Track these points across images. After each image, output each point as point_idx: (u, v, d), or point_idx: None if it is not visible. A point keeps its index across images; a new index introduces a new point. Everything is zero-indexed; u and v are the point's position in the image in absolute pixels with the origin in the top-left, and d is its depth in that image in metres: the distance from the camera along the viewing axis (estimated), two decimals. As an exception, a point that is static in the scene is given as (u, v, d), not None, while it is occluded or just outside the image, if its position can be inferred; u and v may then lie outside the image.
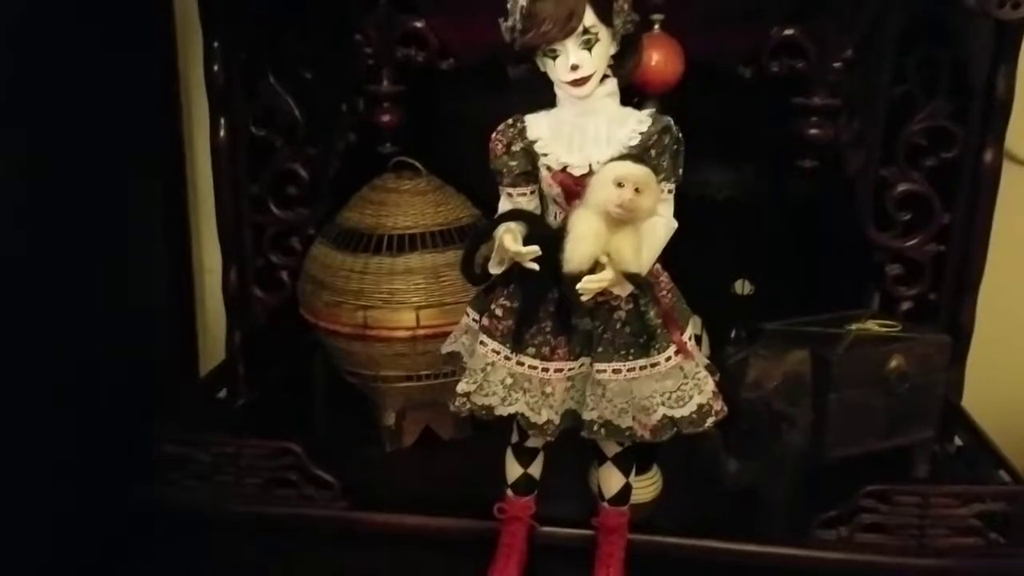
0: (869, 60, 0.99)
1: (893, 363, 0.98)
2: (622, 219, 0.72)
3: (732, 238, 1.18)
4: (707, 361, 0.83)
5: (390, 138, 1.05)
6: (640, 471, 0.97)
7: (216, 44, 1.06)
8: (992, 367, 1.12)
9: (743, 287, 1.19)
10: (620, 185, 0.71)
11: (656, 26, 0.92)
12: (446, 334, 0.90)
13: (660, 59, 0.91)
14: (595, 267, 0.74)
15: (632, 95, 0.90)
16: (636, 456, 0.88)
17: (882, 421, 1.00)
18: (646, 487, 0.99)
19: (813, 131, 0.98)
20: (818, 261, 1.16)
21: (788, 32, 0.95)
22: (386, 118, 1.03)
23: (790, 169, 1.02)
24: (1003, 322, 1.14)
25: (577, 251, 0.73)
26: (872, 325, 1.03)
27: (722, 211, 1.18)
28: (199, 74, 1.09)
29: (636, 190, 0.71)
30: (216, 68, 1.07)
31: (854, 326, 1.02)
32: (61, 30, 1.00)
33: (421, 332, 1.03)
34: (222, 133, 1.09)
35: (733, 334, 1.11)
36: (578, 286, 0.73)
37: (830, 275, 1.15)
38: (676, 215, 0.81)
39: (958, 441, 1.08)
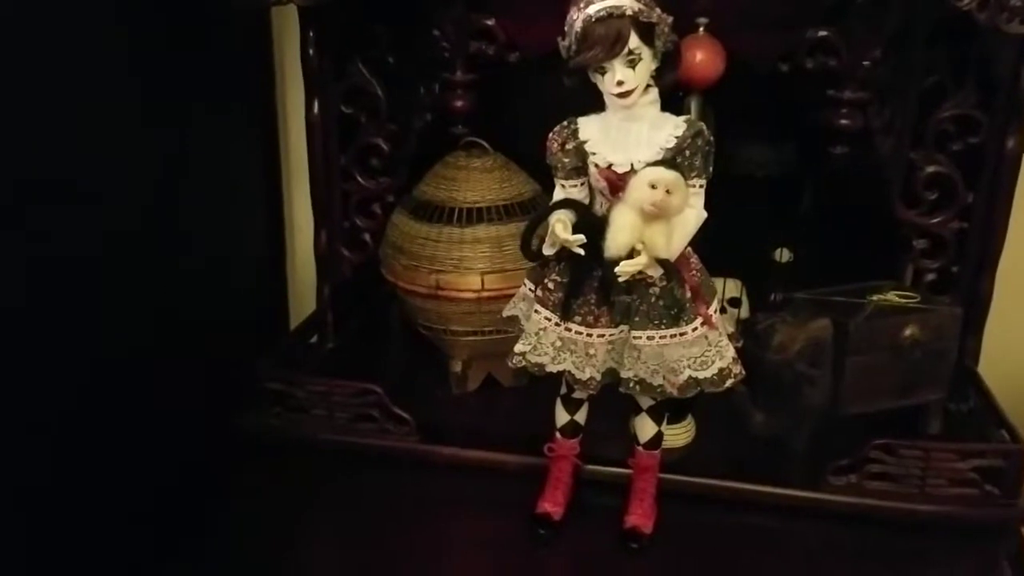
0: (899, 56, 1.03)
1: (908, 332, 1.03)
2: (654, 215, 0.82)
3: (773, 211, 1.22)
4: (731, 330, 0.93)
5: (462, 120, 1.12)
6: (676, 420, 1.06)
7: (311, 33, 1.10)
8: (1008, 335, 1.17)
9: (782, 255, 1.22)
10: (653, 187, 0.81)
11: (701, 28, 0.99)
12: (507, 296, 0.98)
13: (704, 58, 0.99)
14: (632, 253, 0.83)
15: (678, 90, 0.97)
16: (667, 408, 0.96)
17: (896, 383, 1.05)
18: (681, 434, 1.08)
19: (844, 121, 1.04)
20: (854, 233, 1.19)
21: (822, 33, 1.01)
22: (459, 103, 1.10)
23: (825, 152, 1.08)
24: (1019, 293, 1.19)
25: (616, 240, 0.83)
26: (892, 296, 1.07)
27: (764, 187, 1.22)
28: (295, 58, 1.14)
29: (667, 192, 0.80)
30: (311, 53, 1.12)
31: (875, 297, 1.07)
32: (183, 27, 1.11)
33: (485, 294, 1.11)
34: (315, 110, 1.14)
35: (772, 297, 1.16)
36: (616, 269, 0.83)
37: (865, 246, 1.18)
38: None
39: (972, 402, 1.12)
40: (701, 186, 0.86)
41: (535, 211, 1.06)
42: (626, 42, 0.81)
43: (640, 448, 0.97)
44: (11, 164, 0.86)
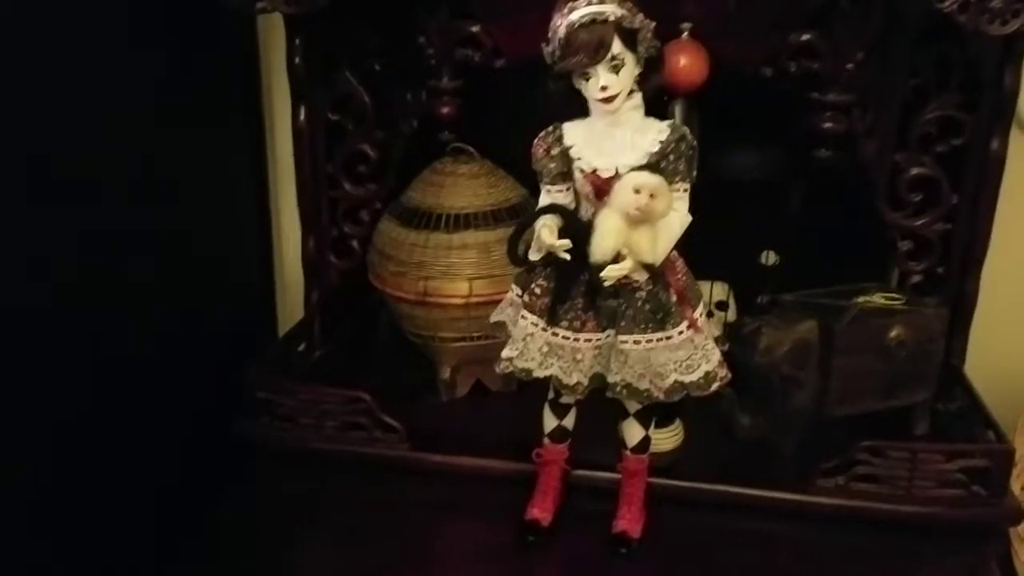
0: (883, 58, 1.04)
1: (893, 333, 1.04)
2: (639, 219, 0.82)
3: (760, 214, 1.21)
4: (717, 334, 0.94)
5: (448, 126, 1.12)
6: (664, 424, 1.06)
7: (297, 41, 1.10)
8: (994, 335, 1.18)
9: (768, 258, 1.22)
10: (637, 191, 0.81)
11: (684, 33, 0.99)
12: (495, 301, 0.98)
13: (687, 63, 0.98)
14: (617, 257, 0.83)
15: (663, 94, 0.97)
16: (655, 412, 0.96)
17: (882, 385, 1.06)
18: (669, 437, 1.08)
19: (828, 125, 1.04)
20: (840, 235, 1.19)
21: (805, 37, 1.01)
22: (445, 110, 1.10)
23: (809, 156, 1.08)
24: (1005, 294, 1.19)
25: (601, 245, 0.83)
26: (878, 298, 1.08)
27: (749, 190, 1.22)
28: (281, 65, 1.14)
29: (651, 196, 0.81)
30: (297, 61, 1.12)
31: (861, 299, 1.07)
32: (168, 34, 1.12)
33: (474, 300, 1.11)
34: (302, 118, 1.15)
35: (759, 300, 1.18)
36: (602, 274, 0.83)
37: (851, 248, 1.18)
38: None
39: (959, 403, 1.12)
40: (685, 190, 0.87)
41: (522, 216, 1.06)
42: (609, 48, 0.81)
43: (628, 453, 0.97)
44: (9, 165, 0.87)
